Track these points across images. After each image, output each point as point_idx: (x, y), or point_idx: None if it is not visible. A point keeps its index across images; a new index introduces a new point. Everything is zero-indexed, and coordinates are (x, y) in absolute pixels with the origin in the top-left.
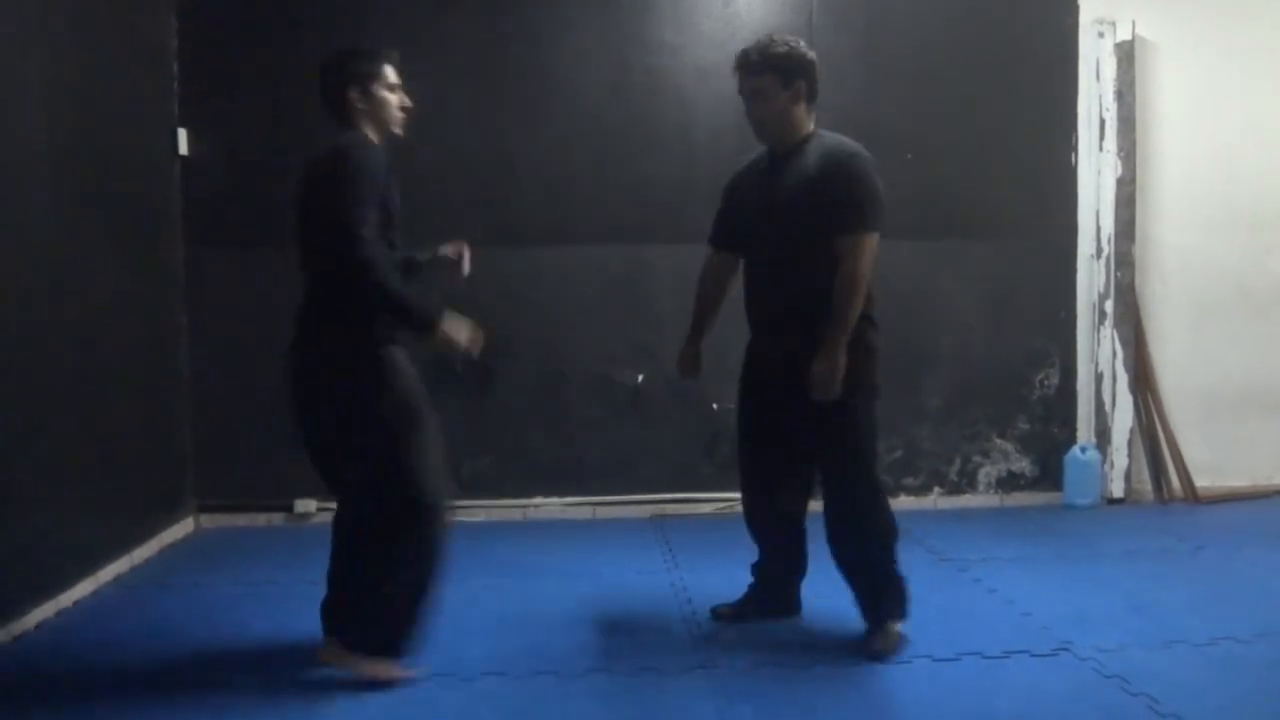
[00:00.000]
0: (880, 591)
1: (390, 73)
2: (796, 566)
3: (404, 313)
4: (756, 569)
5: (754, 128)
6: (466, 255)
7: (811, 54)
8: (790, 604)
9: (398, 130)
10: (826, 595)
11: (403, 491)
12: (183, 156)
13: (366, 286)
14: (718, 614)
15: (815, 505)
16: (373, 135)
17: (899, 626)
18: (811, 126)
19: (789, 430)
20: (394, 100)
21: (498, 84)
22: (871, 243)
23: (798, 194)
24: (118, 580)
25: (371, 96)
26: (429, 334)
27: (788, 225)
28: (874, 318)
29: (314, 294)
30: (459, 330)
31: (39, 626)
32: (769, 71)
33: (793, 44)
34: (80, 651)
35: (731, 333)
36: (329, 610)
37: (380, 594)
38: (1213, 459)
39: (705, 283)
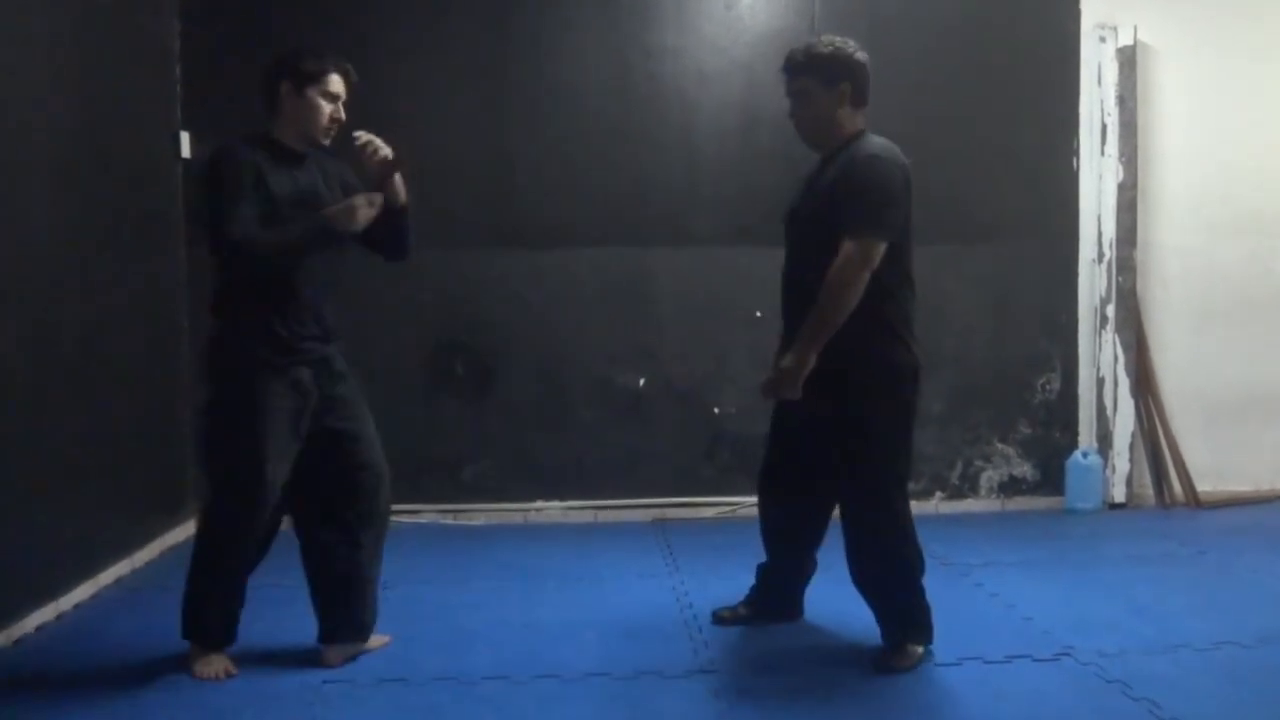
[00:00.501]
0: (901, 617)
1: (334, 81)
2: (803, 574)
3: (299, 242)
4: (761, 571)
5: (797, 129)
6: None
7: (861, 55)
8: (793, 608)
9: (324, 141)
10: (830, 601)
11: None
12: (185, 160)
13: (254, 262)
14: (719, 617)
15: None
16: (292, 137)
17: (920, 649)
18: (858, 128)
19: (807, 444)
20: (325, 110)
21: (499, 87)
22: (868, 249)
23: (820, 198)
24: (118, 583)
25: (302, 97)
26: (332, 231)
27: (809, 230)
28: (903, 336)
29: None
30: (352, 209)
31: (39, 629)
32: (811, 73)
33: (840, 45)
34: (80, 654)
35: (732, 339)
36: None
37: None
38: (1214, 463)
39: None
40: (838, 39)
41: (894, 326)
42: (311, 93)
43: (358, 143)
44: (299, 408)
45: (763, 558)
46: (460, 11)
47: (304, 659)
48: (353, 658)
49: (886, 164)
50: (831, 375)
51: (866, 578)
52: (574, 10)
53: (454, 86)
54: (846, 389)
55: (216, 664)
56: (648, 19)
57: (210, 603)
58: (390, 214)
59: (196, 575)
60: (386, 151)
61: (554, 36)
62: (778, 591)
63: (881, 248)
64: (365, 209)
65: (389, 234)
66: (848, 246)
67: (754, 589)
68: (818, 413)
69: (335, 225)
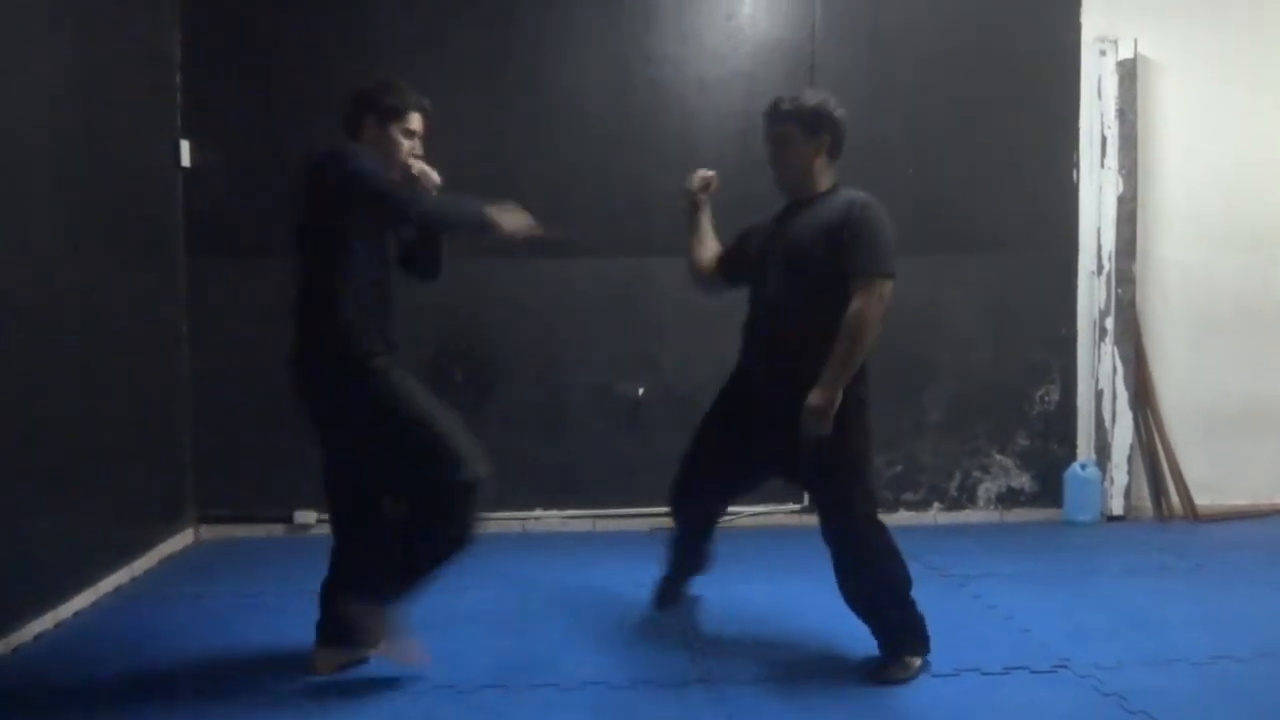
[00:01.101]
0: (896, 631)
1: (415, 119)
2: (711, 540)
3: (467, 219)
4: (677, 547)
5: (775, 175)
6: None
7: (840, 112)
8: (708, 560)
9: (397, 176)
10: (828, 611)
11: (437, 476)
12: (185, 168)
13: (428, 225)
14: (660, 603)
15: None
16: None
17: (918, 661)
18: (831, 183)
19: (747, 456)
20: (405, 146)
21: (500, 96)
22: (886, 288)
23: (814, 238)
24: (117, 591)
25: (385, 132)
26: (489, 231)
27: (800, 268)
28: (865, 373)
29: (307, 302)
30: (516, 221)
31: (38, 638)
32: (795, 121)
33: (824, 99)
34: (79, 663)
35: (731, 347)
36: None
37: (398, 555)
38: (1213, 477)
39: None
40: (822, 93)
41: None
42: (394, 128)
43: (412, 171)
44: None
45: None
46: (461, 20)
47: (303, 667)
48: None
49: (880, 210)
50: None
51: (858, 597)
52: (575, 18)
53: (455, 94)
54: (841, 406)
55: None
56: (649, 27)
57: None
58: (430, 237)
59: (429, 560)
60: (437, 180)
61: (555, 44)
62: (692, 557)
63: (891, 285)
64: (526, 232)
65: (426, 256)
66: (870, 287)
67: (674, 563)
68: (793, 442)
69: (494, 223)
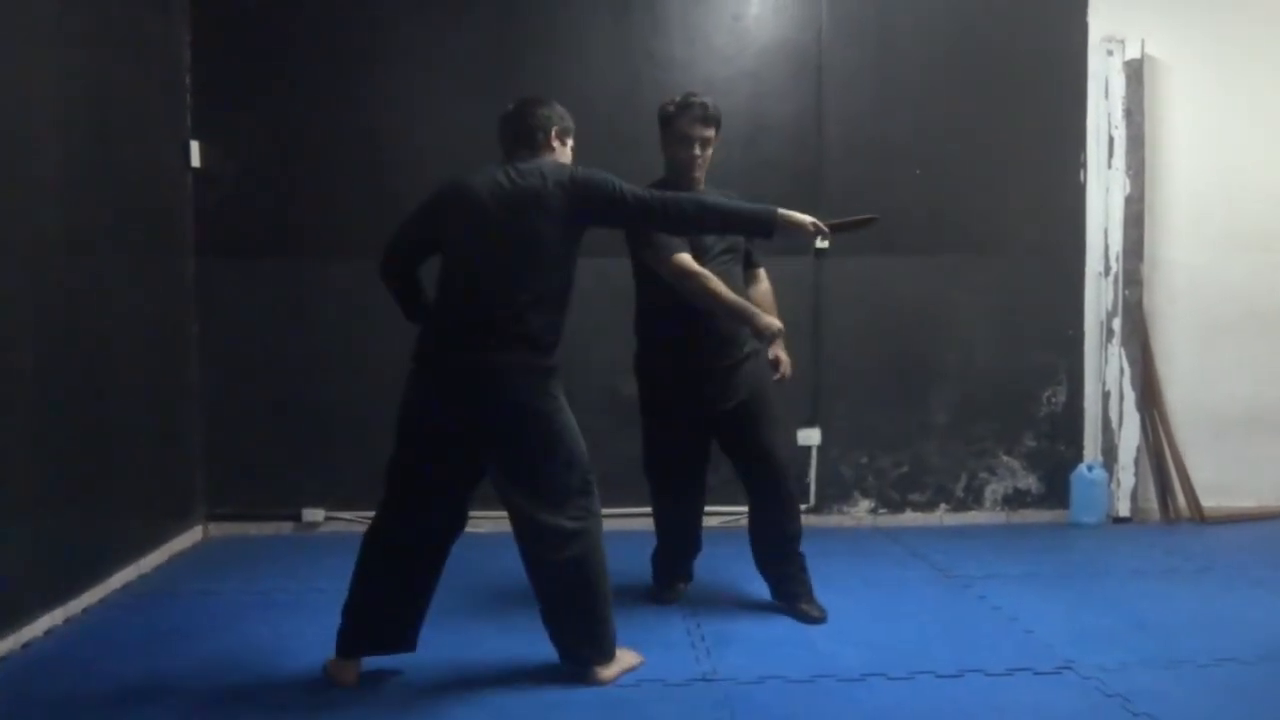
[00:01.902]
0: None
1: (571, 142)
2: (699, 527)
3: (740, 211)
4: (663, 549)
5: (699, 169)
6: None
7: None
8: (695, 545)
9: None
10: (831, 609)
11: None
12: (195, 169)
13: (702, 212)
14: (662, 599)
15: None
16: None
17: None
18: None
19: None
20: (571, 157)
21: (508, 97)
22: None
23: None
24: (127, 588)
25: (565, 146)
26: (772, 223)
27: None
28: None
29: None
30: (797, 216)
31: (48, 634)
32: (717, 124)
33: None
34: (89, 659)
35: None
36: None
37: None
38: (1219, 479)
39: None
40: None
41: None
42: (570, 142)
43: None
44: None
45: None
46: (468, 21)
47: (310, 665)
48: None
49: None
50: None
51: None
52: (582, 20)
53: (462, 96)
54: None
55: (624, 657)
56: (655, 29)
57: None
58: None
59: (596, 585)
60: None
61: (562, 46)
62: (680, 559)
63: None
64: (812, 231)
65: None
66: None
67: (661, 565)
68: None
69: (780, 223)
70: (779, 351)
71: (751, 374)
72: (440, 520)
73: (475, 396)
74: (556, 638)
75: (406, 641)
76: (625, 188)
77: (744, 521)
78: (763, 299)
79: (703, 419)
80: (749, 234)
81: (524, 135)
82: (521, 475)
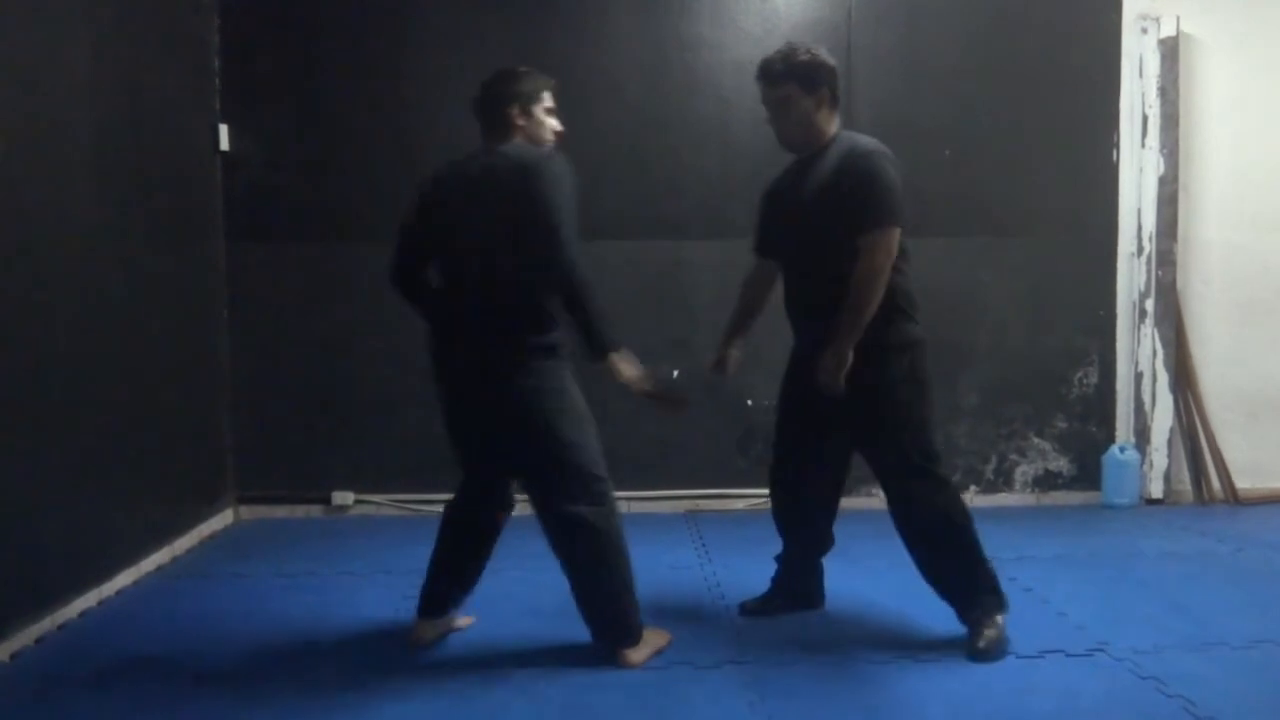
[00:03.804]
0: (970, 590)
1: (548, 97)
2: (820, 551)
3: (597, 325)
4: (781, 559)
5: (778, 136)
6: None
7: (833, 61)
8: (815, 594)
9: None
10: (859, 592)
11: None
12: (223, 152)
13: (574, 291)
14: (746, 609)
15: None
16: None
17: (1001, 618)
18: (834, 130)
19: (821, 427)
20: (550, 123)
21: None
22: (887, 238)
23: (818, 196)
24: (159, 570)
25: (531, 115)
26: (602, 357)
27: (811, 228)
28: (907, 310)
29: (490, 301)
30: (629, 366)
31: (82, 615)
32: (792, 80)
33: (815, 51)
34: (122, 640)
35: (766, 329)
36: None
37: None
38: (1254, 460)
39: (747, 287)
40: (811, 45)
41: (896, 301)
42: (537, 110)
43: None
44: None
45: (779, 551)
46: (496, 4)
47: (343, 645)
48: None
49: (881, 156)
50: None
51: (929, 565)
52: (612, 5)
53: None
54: (864, 367)
55: (656, 635)
56: (684, 10)
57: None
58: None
59: (618, 569)
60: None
61: (590, 28)
62: (799, 575)
63: (898, 234)
64: (634, 386)
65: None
66: (872, 238)
67: (776, 577)
68: (844, 397)
69: (605, 359)
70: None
71: None
72: (485, 503)
73: (469, 384)
74: (585, 621)
75: (439, 609)
76: (561, 219)
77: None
78: None
79: None
80: (585, 342)
81: (489, 120)
82: (523, 462)
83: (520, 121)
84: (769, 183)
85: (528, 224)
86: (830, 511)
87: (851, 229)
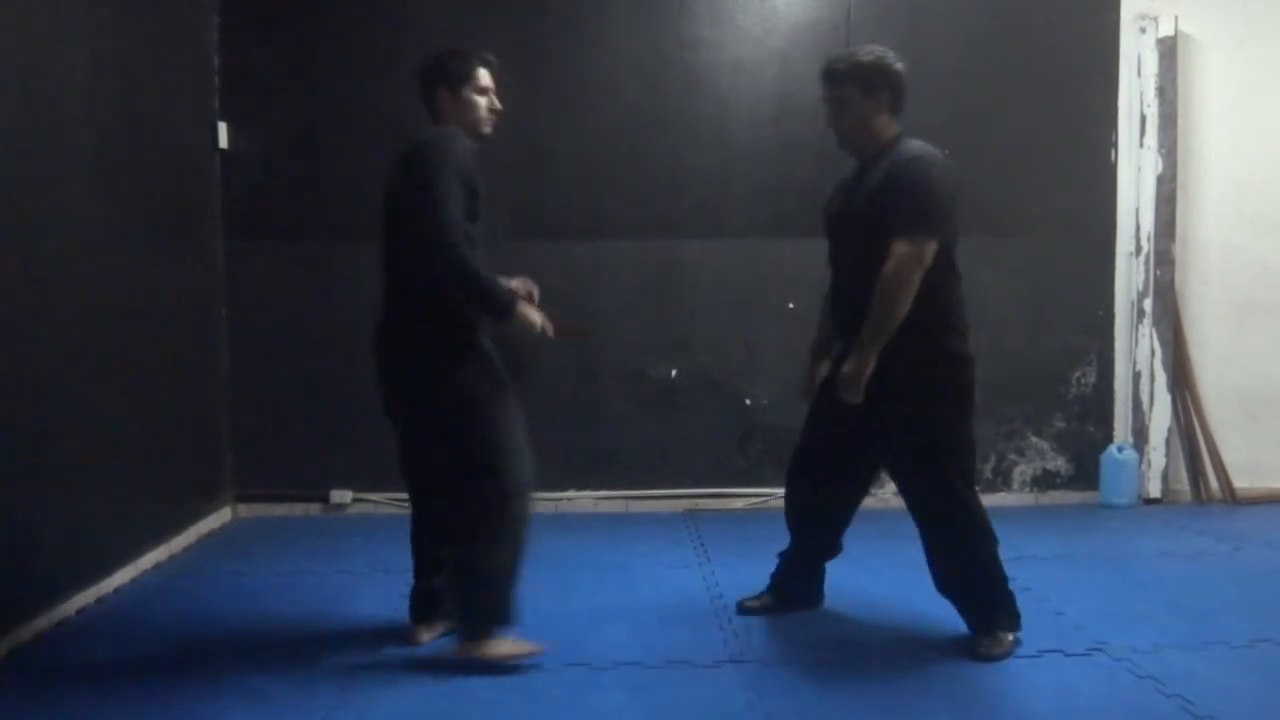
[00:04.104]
0: (984, 604)
1: (483, 75)
2: (826, 557)
3: (485, 296)
4: (784, 557)
5: (836, 136)
6: (535, 294)
7: (899, 64)
8: (815, 594)
9: (486, 131)
10: (858, 592)
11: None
12: (223, 150)
13: (451, 271)
14: (744, 607)
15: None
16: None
17: (1011, 637)
18: (895, 134)
19: (849, 436)
20: (483, 103)
21: (536, 79)
22: (919, 249)
23: (867, 200)
24: (157, 568)
25: (459, 97)
26: (507, 318)
27: (857, 232)
28: (956, 325)
29: (399, 289)
30: (533, 312)
31: (80, 612)
32: (851, 82)
33: (880, 54)
34: (120, 638)
35: (764, 331)
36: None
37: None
38: (1252, 460)
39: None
40: (877, 48)
41: (945, 318)
42: (467, 91)
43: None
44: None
45: (778, 540)
46: (499, 5)
47: (339, 644)
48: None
49: (927, 164)
50: (891, 372)
51: (946, 577)
52: (611, 3)
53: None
54: (907, 383)
55: (518, 643)
56: (683, 9)
57: (511, 583)
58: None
59: (509, 558)
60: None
61: (589, 27)
62: (800, 576)
63: (933, 246)
64: (537, 332)
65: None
66: (900, 247)
67: (776, 575)
68: (879, 410)
69: (511, 316)
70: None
71: None
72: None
73: (383, 369)
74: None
75: (426, 611)
76: (438, 192)
77: (772, 504)
78: None
79: None
80: (486, 312)
81: (426, 107)
82: (422, 447)
83: (448, 104)
84: (831, 191)
85: (409, 206)
86: (846, 518)
87: (887, 237)
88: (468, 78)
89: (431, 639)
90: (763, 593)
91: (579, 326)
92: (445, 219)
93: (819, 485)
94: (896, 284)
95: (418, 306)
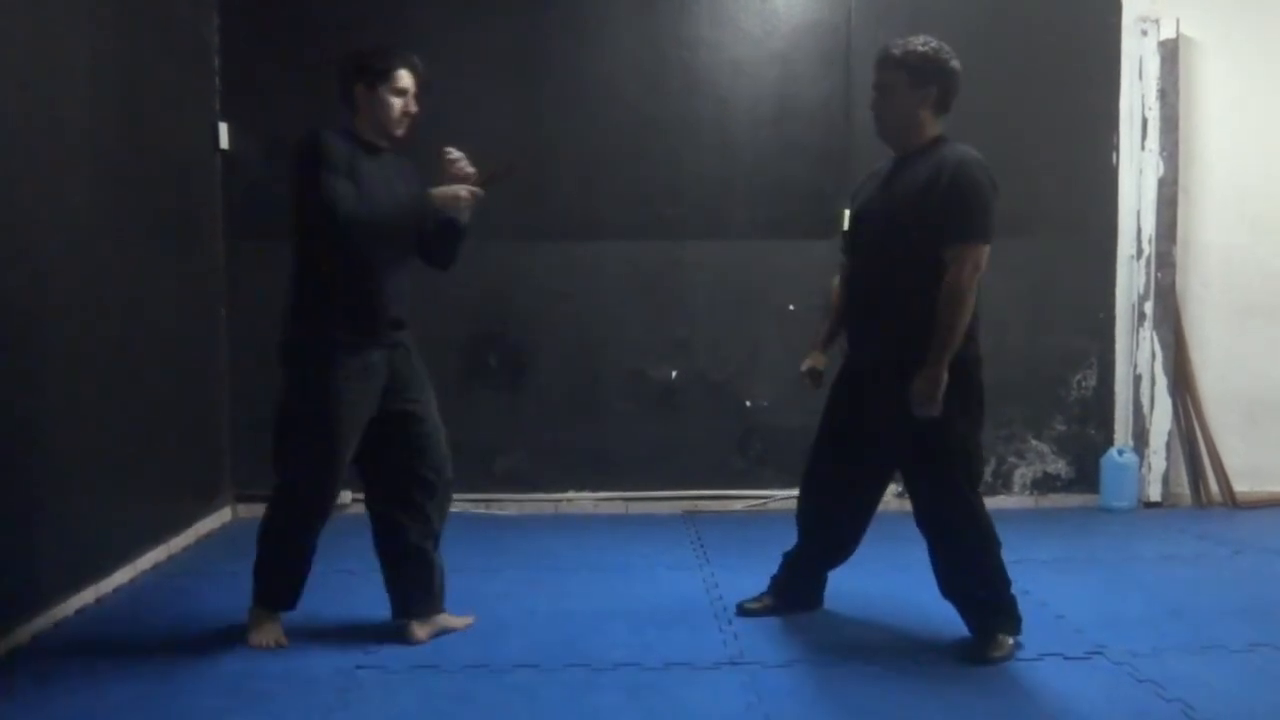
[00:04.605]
0: (989, 610)
1: (402, 76)
2: (832, 563)
3: (395, 217)
4: (788, 558)
5: (877, 124)
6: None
7: (955, 63)
8: (815, 598)
9: (398, 132)
10: (859, 593)
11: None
12: (223, 151)
13: (341, 224)
14: (744, 609)
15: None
16: (370, 132)
17: (1011, 641)
18: (937, 133)
19: (864, 439)
20: (396, 105)
21: (535, 80)
22: (977, 253)
23: (910, 199)
24: (156, 568)
25: (374, 95)
26: (431, 208)
27: (896, 230)
28: (970, 331)
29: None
30: (449, 189)
31: (79, 612)
32: (902, 68)
33: (938, 48)
34: (120, 638)
35: (764, 332)
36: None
37: None
38: (1252, 463)
39: (840, 291)
40: (936, 42)
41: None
42: (382, 90)
43: (448, 158)
44: (369, 388)
45: (778, 542)
46: (496, 3)
47: (338, 643)
48: (440, 633)
49: (982, 169)
50: (905, 374)
51: (950, 580)
52: (611, 4)
53: (489, 78)
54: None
55: (271, 632)
56: (683, 10)
57: (279, 568)
58: (452, 228)
59: (268, 542)
60: (470, 171)
61: (589, 28)
62: (803, 578)
63: (988, 251)
64: (467, 198)
65: (443, 245)
66: (964, 253)
67: (778, 576)
68: (891, 412)
69: (435, 206)
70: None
71: None
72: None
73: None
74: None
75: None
76: (315, 173)
77: (772, 506)
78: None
79: None
80: (404, 225)
81: (342, 102)
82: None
83: (362, 100)
84: (861, 179)
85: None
86: (860, 523)
87: (939, 240)
88: (386, 76)
89: (428, 636)
90: (763, 594)
91: (501, 168)
92: (324, 192)
93: (833, 488)
94: (963, 290)
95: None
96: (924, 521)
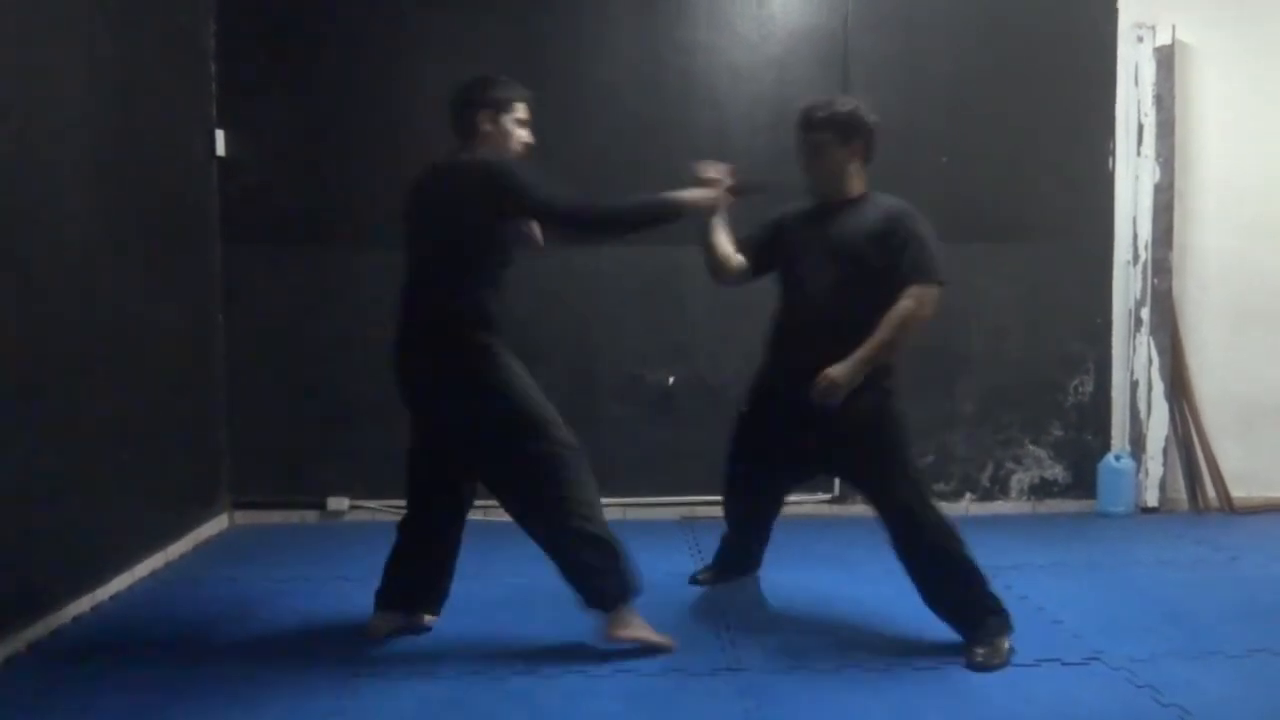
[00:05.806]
0: (973, 604)
1: (521, 109)
2: (764, 542)
3: (649, 217)
4: (726, 541)
5: (809, 180)
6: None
7: (873, 118)
8: (754, 561)
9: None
10: (855, 598)
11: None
12: (220, 157)
13: (598, 225)
14: (696, 579)
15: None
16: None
17: (1006, 641)
18: (863, 187)
19: (796, 457)
20: (519, 134)
21: (532, 85)
22: (935, 293)
23: (865, 242)
24: (153, 575)
25: (499, 124)
26: (678, 216)
27: (849, 270)
28: (894, 370)
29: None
30: (691, 196)
31: (76, 620)
32: (829, 128)
33: (855, 106)
34: (117, 645)
35: (762, 337)
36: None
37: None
38: (1249, 469)
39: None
40: (852, 100)
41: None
42: (506, 120)
43: (706, 175)
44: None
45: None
46: (494, 8)
47: (337, 651)
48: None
49: (920, 215)
50: (859, 400)
51: (930, 587)
52: (607, 6)
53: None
54: (875, 411)
55: (642, 625)
56: (681, 15)
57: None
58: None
59: (583, 543)
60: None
61: (587, 32)
62: (741, 553)
63: (940, 293)
64: (718, 204)
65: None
66: (924, 290)
67: (721, 554)
68: (843, 434)
69: (687, 208)
70: None
71: None
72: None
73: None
74: None
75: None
76: (531, 187)
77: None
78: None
79: None
80: (646, 226)
81: (458, 128)
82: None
83: (487, 128)
84: (781, 213)
85: (471, 226)
86: (772, 517)
87: (900, 279)
88: (509, 106)
89: (388, 632)
90: (709, 566)
91: (755, 182)
92: (545, 198)
93: (753, 494)
94: (915, 321)
95: (444, 312)
96: (892, 531)
